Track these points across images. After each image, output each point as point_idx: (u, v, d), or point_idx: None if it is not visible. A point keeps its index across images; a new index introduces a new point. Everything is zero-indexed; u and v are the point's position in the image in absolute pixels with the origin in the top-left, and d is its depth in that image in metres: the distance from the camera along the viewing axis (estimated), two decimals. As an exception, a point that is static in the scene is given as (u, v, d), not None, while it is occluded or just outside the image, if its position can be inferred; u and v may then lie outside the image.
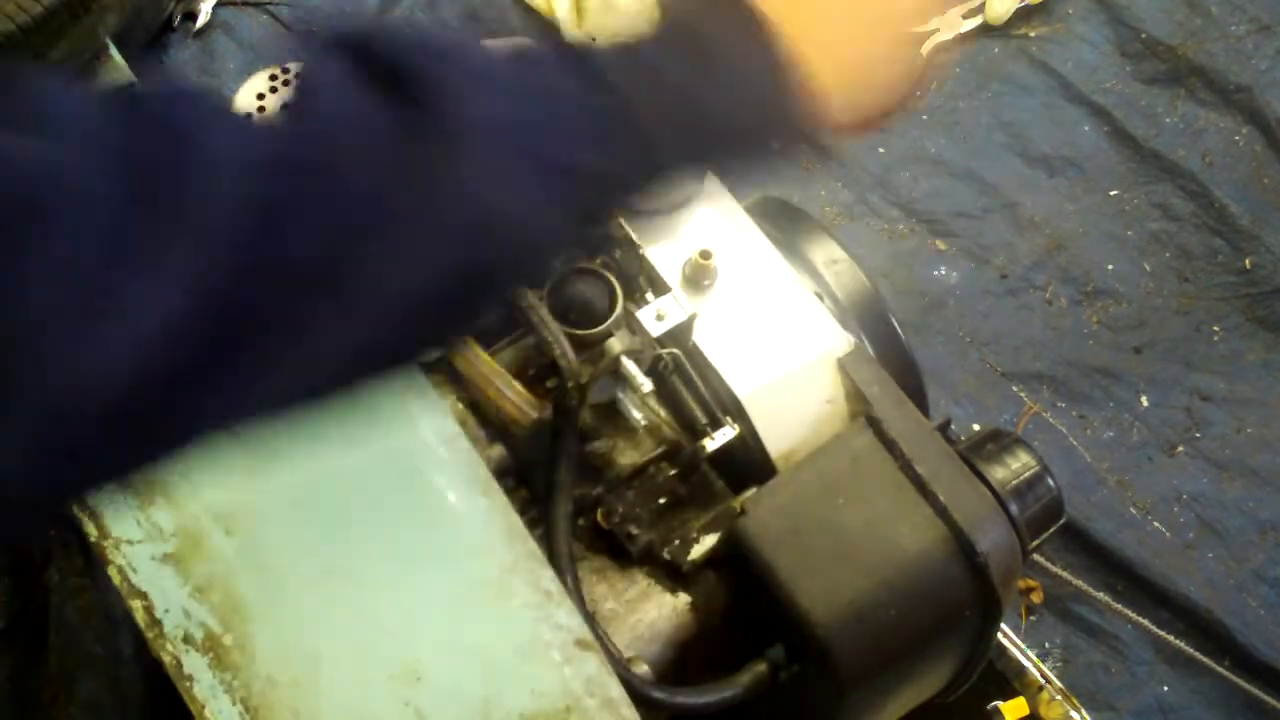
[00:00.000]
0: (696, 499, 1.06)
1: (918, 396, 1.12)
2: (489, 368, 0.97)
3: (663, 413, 1.08)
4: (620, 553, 1.03)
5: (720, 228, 1.11)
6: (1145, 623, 1.67)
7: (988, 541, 0.96)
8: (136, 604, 0.77)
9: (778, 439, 1.03)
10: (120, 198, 0.49)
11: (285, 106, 1.10)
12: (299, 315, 0.54)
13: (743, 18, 0.66)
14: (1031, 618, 1.73)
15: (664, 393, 1.07)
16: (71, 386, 0.49)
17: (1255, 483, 1.81)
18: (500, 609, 0.79)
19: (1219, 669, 1.68)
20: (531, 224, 0.61)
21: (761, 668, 0.96)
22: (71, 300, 0.48)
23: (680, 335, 1.04)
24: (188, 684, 0.75)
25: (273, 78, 1.14)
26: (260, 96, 1.13)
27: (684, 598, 1.01)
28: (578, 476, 1.02)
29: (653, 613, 1.01)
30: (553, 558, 0.93)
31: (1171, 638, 1.68)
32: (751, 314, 1.07)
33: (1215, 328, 1.92)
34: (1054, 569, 1.69)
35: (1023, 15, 2.12)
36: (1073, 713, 1.33)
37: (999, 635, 1.28)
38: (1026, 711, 1.30)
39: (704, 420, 1.05)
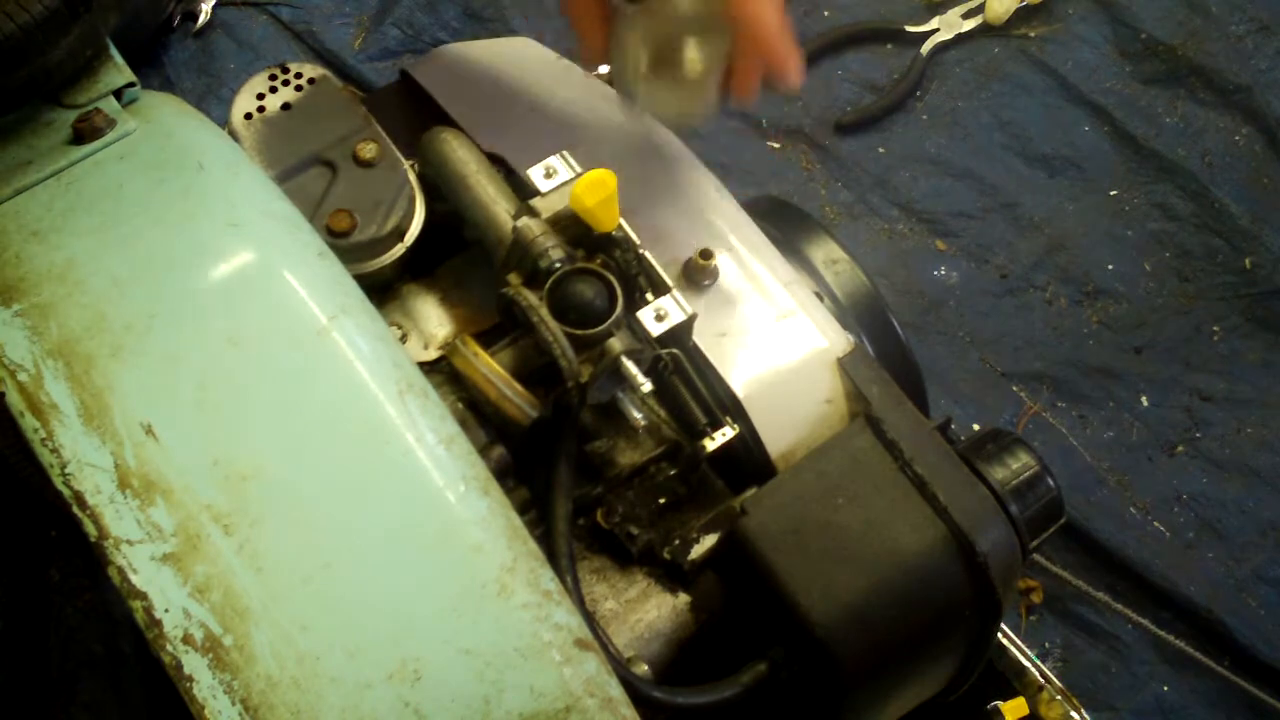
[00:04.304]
0: (696, 499, 1.06)
1: (918, 396, 1.12)
2: (489, 368, 0.97)
3: (663, 413, 1.08)
4: (620, 553, 1.03)
5: (720, 228, 1.11)
6: (1145, 623, 1.67)
7: (988, 541, 0.96)
8: (136, 604, 0.77)
9: (777, 439, 1.03)
10: None
11: (285, 107, 1.10)
12: None
13: None
14: (1031, 618, 1.73)
15: (664, 393, 1.07)
16: None
17: (1255, 483, 1.81)
18: (500, 609, 0.78)
19: (1219, 669, 1.68)
20: None
21: (761, 668, 0.96)
22: None
23: (680, 335, 1.04)
24: (188, 685, 0.75)
25: (272, 78, 1.14)
26: (260, 96, 1.13)
27: (684, 598, 1.01)
28: (578, 476, 1.02)
29: (653, 613, 1.01)
30: (553, 558, 0.93)
31: (1171, 638, 1.68)
32: (751, 314, 1.07)
33: (1215, 328, 1.92)
34: (1054, 569, 1.69)
35: (1023, 15, 2.12)
36: (1073, 713, 1.32)
37: (999, 635, 1.28)
38: (1026, 711, 1.30)
39: (704, 420, 1.05)
